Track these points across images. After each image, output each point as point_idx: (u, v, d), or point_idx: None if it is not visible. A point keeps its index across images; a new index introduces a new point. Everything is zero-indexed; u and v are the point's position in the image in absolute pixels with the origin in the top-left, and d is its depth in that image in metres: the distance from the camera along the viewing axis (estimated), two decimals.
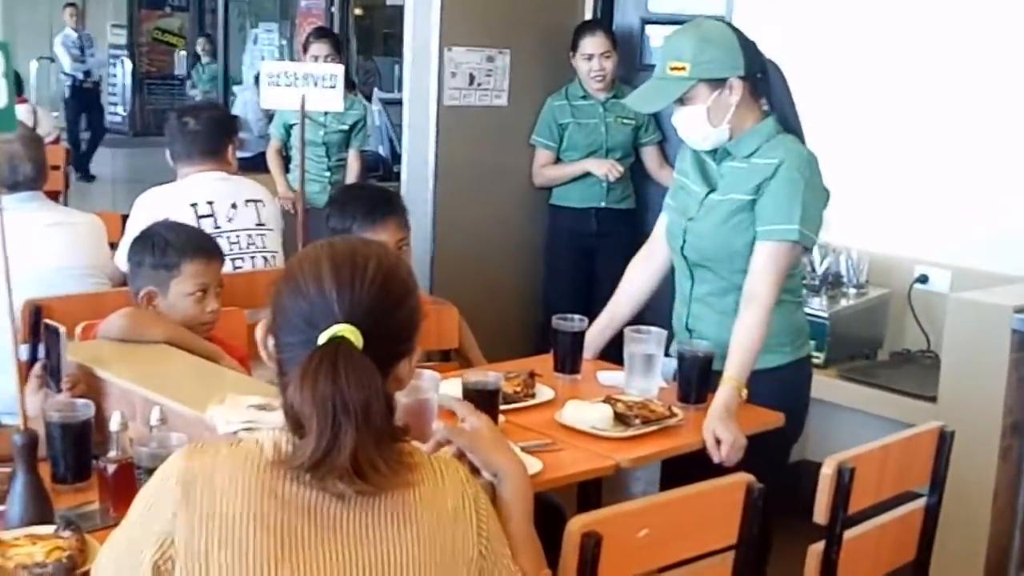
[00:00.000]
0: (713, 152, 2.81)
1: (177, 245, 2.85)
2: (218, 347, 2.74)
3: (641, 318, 3.01)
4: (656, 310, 3.08)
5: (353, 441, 1.45)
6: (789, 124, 2.78)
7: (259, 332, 1.61)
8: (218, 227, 3.72)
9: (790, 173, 2.68)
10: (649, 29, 5.16)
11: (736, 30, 2.78)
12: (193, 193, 3.74)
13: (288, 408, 1.49)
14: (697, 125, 2.74)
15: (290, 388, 1.48)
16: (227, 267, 3.31)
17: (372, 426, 1.47)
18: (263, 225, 3.87)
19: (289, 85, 3.66)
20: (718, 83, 2.70)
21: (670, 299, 2.98)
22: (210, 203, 3.74)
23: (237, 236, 3.81)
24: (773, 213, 2.68)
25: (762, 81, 2.77)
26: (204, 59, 11.76)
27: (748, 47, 2.74)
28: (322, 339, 1.50)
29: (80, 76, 12.12)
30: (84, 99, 12.13)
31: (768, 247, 2.68)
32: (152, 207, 3.60)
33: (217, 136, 3.92)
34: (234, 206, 3.80)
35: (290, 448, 1.49)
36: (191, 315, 2.81)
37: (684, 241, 2.85)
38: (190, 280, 2.82)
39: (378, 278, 1.56)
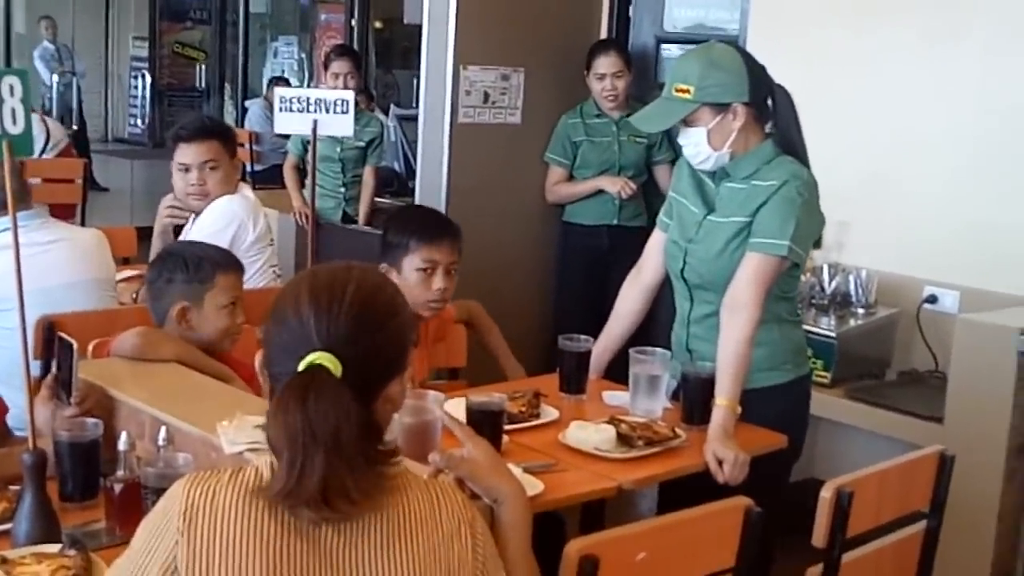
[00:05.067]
0: (712, 173, 2.84)
1: (211, 259, 2.93)
2: (228, 368, 2.79)
3: (645, 338, 3.04)
4: (659, 329, 3.11)
5: (323, 469, 1.47)
6: (794, 147, 2.81)
7: (257, 363, 1.64)
8: (273, 242, 3.82)
9: (789, 192, 2.72)
10: (664, 48, 5.19)
11: (747, 56, 2.81)
12: (257, 204, 3.86)
13: (267, 437, 1.52)
14: (698, 147, 2.78)
15: (268, 417, 1.52)
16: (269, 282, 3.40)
17: (344, 453, 1.49)
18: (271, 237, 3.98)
19: (301, 111, 3.72)
20: (722, 107, 2.73)
21: (670, 318, 3.00)
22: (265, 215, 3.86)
23: (274, 249, 3.92)
24: (767, 227, 2.71)
25: (767, 108, 2.80)
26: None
27: (756, 73, 2.77)
28: (300, 367, 1.53)
29: (61, 89, 12.22)
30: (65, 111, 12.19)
31: (756, 258, 2.71)
32: (237, 214, 3.73)
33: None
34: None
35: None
36: (224, 326, 2.88)
37: (684, 264, 2.88)
38: (225, 292, 2.89)
39: (356, 303, 1.58)
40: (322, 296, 1.57)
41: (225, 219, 3.73)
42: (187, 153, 3.75)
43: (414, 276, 3.01)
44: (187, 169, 3.76)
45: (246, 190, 3.91)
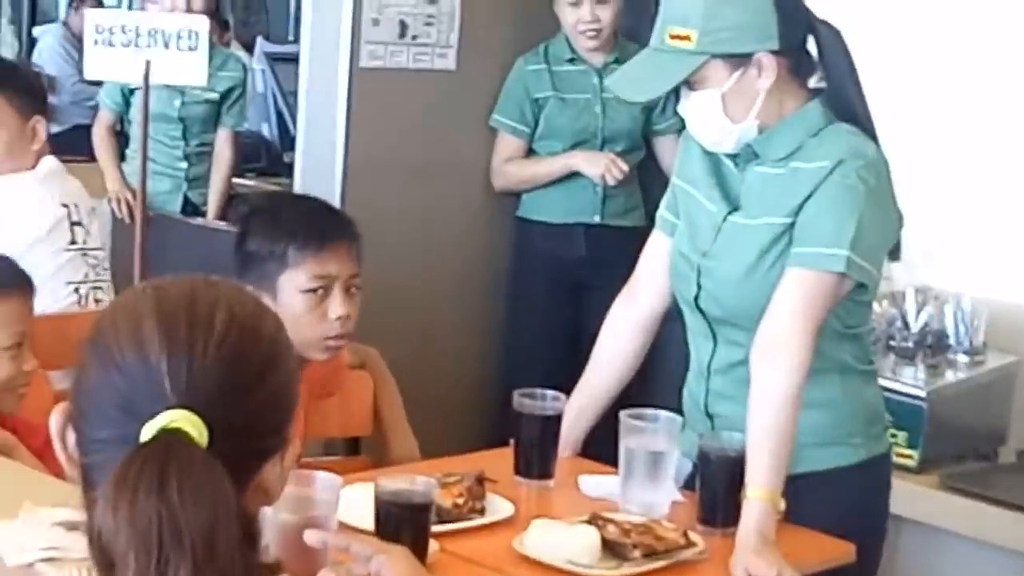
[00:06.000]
0: (734, 154, 2.88)
1: None
2: (8, 435, 2.77)
3: (643, 396, 3.06)
4: (663, 382, 3.12)
5: None
6: (851, 111, 2.85)
7: (55, 423, 1.62)
8: (83, 244, 3.77)
9: (847, 177, 2.75)
10: None
11: None
12: (60, 189, 3.79)
13: (95, 537, 1.50)
14: (710, 119, 2.81)
15: (98, 508, 1.50)
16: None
17: (219, 564, 1.48)
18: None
19: (128, 45, 3.69)
20: (740, 60, 2.76)
21: (681, 364, 3.03)
22: (76, 206, 3.80)
23: (96, 258, 3.85)
24: (816, 230, 2.74)
25: (808, 55, 2.84)
26: None
27: (787, 6, 2.79)
28: (146, 433, 1.52)
29: None
30: None
31: (802, 276, 2.74)
32: (15, 209, 3.66)
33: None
34: (93, 211, 3.86)
35: None
36: (4, 376, 2.86)
37: (699, 288, 2.91)
38: (3, 327, 2.87)
39: (231, 337, 1.56)
40: (178, 326, 1.55)
41: None
42: None
43: (299, 301, 2.97)
44: None
45: (45, 169, 3.86)
